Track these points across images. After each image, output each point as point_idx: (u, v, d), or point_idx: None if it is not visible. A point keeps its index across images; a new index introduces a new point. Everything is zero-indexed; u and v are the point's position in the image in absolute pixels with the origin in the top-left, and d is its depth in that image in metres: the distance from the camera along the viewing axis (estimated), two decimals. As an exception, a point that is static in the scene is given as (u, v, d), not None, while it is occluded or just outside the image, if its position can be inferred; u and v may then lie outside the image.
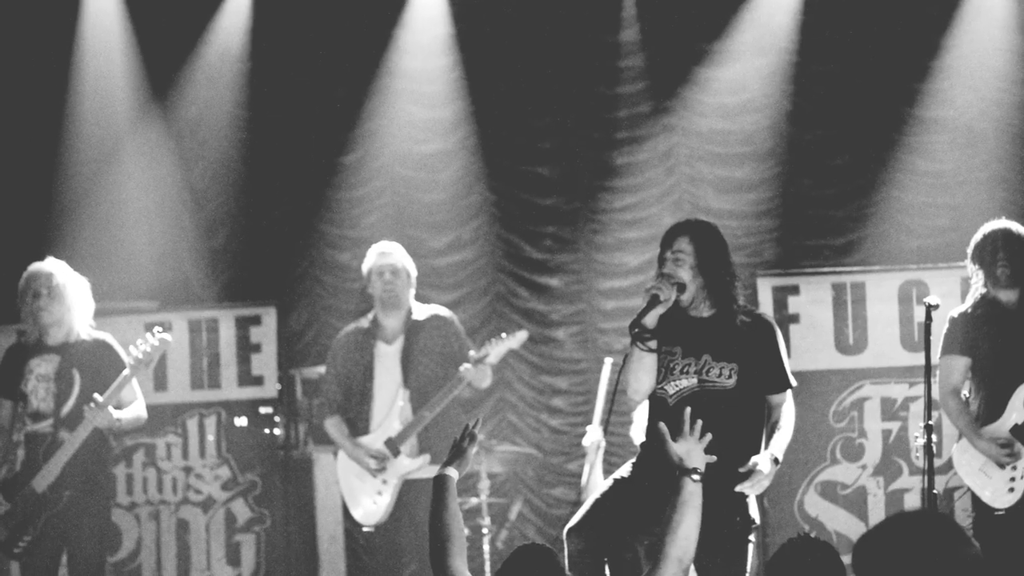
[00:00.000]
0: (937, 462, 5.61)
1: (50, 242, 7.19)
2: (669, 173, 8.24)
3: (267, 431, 7.24)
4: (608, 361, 7.41)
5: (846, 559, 3.15)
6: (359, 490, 6.60)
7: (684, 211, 7.88)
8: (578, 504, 6.08)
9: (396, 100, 8.26)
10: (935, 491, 5.31)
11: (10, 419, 6.09)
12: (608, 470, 6.65)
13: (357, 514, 6.63)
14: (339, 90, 8.27)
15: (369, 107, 8.27)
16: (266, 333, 7.26)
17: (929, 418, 5.39)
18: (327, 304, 8.34)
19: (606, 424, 6.82)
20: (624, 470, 4.79)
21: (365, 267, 6.72)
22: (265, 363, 7.24)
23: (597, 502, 4.74)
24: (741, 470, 4.60)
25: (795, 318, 6.90)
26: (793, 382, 4.82)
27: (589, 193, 8.30)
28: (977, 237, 5.82)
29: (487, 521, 6.92)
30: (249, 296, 7.80)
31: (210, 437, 7.21)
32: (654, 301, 4.69)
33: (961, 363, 5.75)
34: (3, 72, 8.02)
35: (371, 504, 6.57)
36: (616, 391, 4.97)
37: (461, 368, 6.51)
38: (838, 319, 6.91)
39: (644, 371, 4.72)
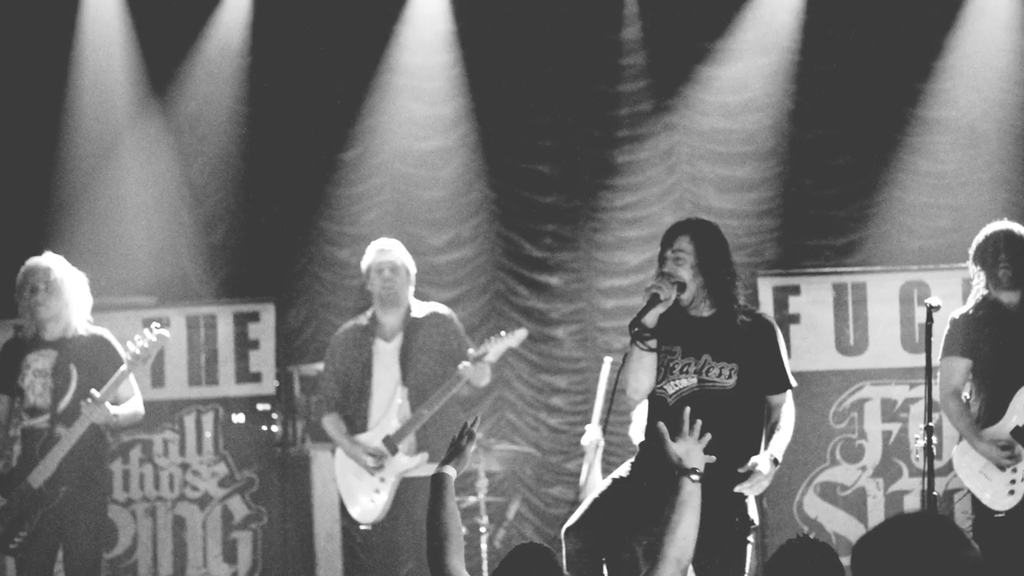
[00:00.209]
0: (937, 464, 5.60)
1: (48, 237, 7.21)
2: (670, 172, 8.24)
3: (265, 428, 7.24)
4: (607, 360, 7.41)
5: (845, 561, 3.13)
6: (357, 488, 6.59)
7: (685, 210, 7.87)
8: (576, 504, 6.06)
9: (396, 96, 8.25)
10: (935, 493, 5.32)
11: (6, 414, 6.07)
12: (607, 469, 6.64)
13: (354, 512, 6.62)
14: (339, 86, 8.26)
15: (369, 103, 8.26)
16: (264, 330, 7.25)
17: (929, 420, 5.39)
18: (326, 301, 8.33)
19: (605, 423, 6.82)
20: (623, 470, 4.78)
21: (364, 264, 6.72)
22: (263, 360, 7.24)
23: (595, 502, 4.73)
24: (740, 470, 4.59)
25: (796, 318, 6.89)
26: (793, 382, 4.82)
27: (590, 191, 8.30)
28: (979, 238, 5.81)
29: (485, 520, 6.92)
30: (247, 292, 7.78)
31: (207, 434, 7.20)
32: (654, 300, 4.69)
33: (962, 365, 5.75)
34: (2, 66, 8.01)
35: (369, 502, 6.56)
36: (615, 390, 4.96)
37: (460, 366, 6.50)
38: (839, 320, 6.90)
39: (644, 370, 4.71)
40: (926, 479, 5.30)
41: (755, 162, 8.14)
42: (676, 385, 4.68)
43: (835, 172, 8.09)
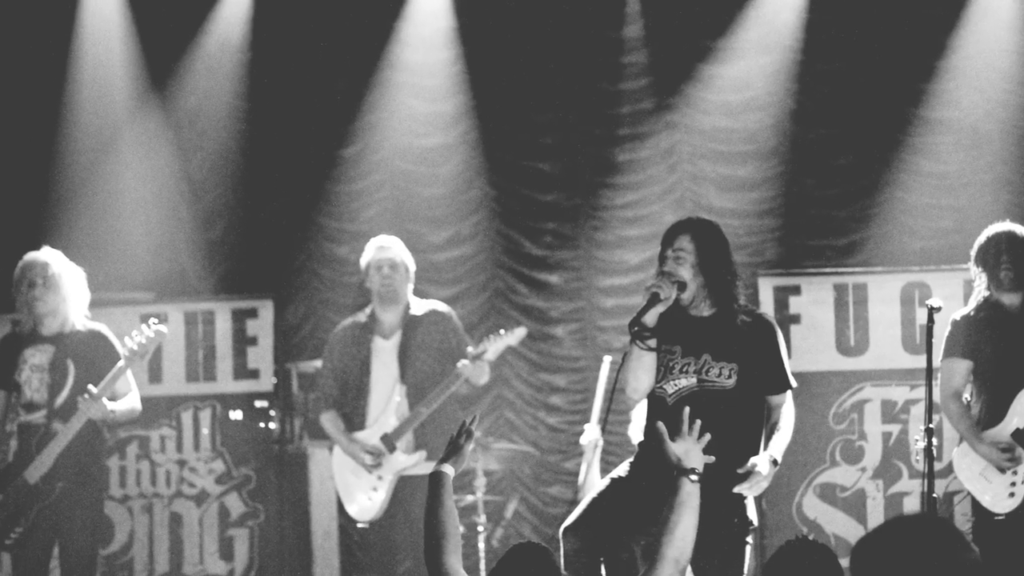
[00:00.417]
0: (937, 466, 5.60)
1: (46, 231, 7.18)
2: (671, 171, 8.22)
3: (262, 425, 7.23)
4: (607, 359, 7.40)
5: (844, 562, 3.14)
6: (354, 486, 6.58)
7: (686, 209, 7.87)
8: (575, 503, 6.05)
9: (397, 93, 8.24)
10: (935, 495, 5.30)
11: (3, 409, 6.07)
12: (605, 469, 6.63)
13: (352, 510, 6.61)
14: (339, 82, 8.25)
15: (369, 100, 8.25)
16: (262, 326, 7.24)
17: (930, 421, 5.38)
18: (324, 298, 8.32)
19: (604, 423, 6.81)
20: (621, 469, 4.78)
21: (363, 261, 6.71)
22: (261, 356, 7.23)
23: (594, 501, 4.73)
24: (739, 471, 4.59)
25: (796, 318, 6.89)
26: (793, 383, 4.81)
27: (590, 189, 8.28)
28: (981, 239, 5.81)
29: (483, 519, 6.91)
30: (246, 289, 7.79)
31: (205, 430, 7.19)
32: (654, 299, 4.69)
33: (963, 366, 5.75)
34: (1, 60, 7.99)
35: (366, 500, 6.55)
36: (615, 389, 4.96)
37: (459, 364, 6.49)
38: (839, 320, 6.90)
39: (643, 370, 4.71)
40: (926, 481, 5.30)
41: (756, 161, 8.13)
42: (676, 385, 4.68)
43: (837, 172, 8.08)
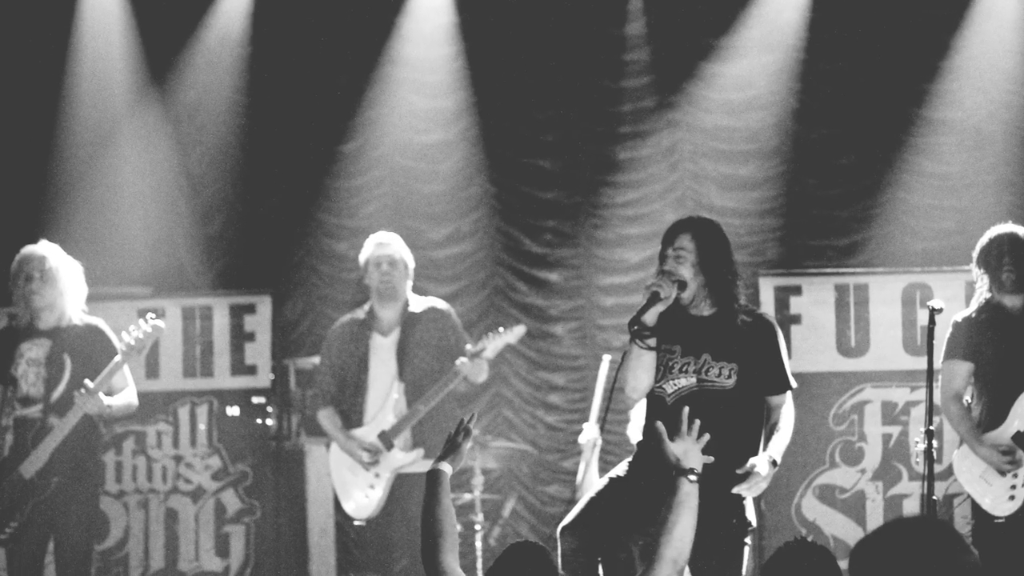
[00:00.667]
0: (937, 468, 5.59)
1: (44, 225, 7.20)
2: (672, 169, 8.21)
3: (259, 421, 7.21)
4: (606, 358, 7.39)
5: (843, 564, 3.14)
6: (351, 483, 6.57)
7: (687, 208, 7.86)
8: (573, 502, 6.05)
9: (397, 89, 8.23)
10: (935, 497, 5.30)
11: (-1, 403, 6.05)
12: (604, 468, 6.61)
13: (349, 507, 6.60)
14: (340, 78, 8.24)
15: (370, 95, 8.23)
16: (260, 322, 7.23)
17: (930, 423, 5.38)
18: (323, 294, 8.31)
19: (603, 422, 6.80)
20: (620, 469, 4.77)
21: (362, 257, 6.70)
22: (259, 352, 7.21)
23: (592, 501, 4.72)
24: (738, 471, 4.58)
25: (797, 319, 6.89)
26: (793, 383, 4.81)
27: (591, 187, 8.27)
28: (983, 241, 5.80)
29: (480, 517, 6.91)
30: (244, 284, 7.78)
31: (201, 426, 7.18)
32: (654, 298, 4.68)
33: (964, 368, 5.74)
34: (0, 53, 7.97)
35: (363, 498, 6.54)
36: (614, 389, 4.94)
37: (457, 362, 6.48)
38: (840, 321, 6.89)
39: (643, 369, 4.71)
40: (926, 483, 5.29)
41: (758, 161, 8.11)
42: (675, 384, 4.67)
43: (839, 172, 8.07)
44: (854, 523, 6.77)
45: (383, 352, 6.60)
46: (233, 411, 7.19)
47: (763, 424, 4.73)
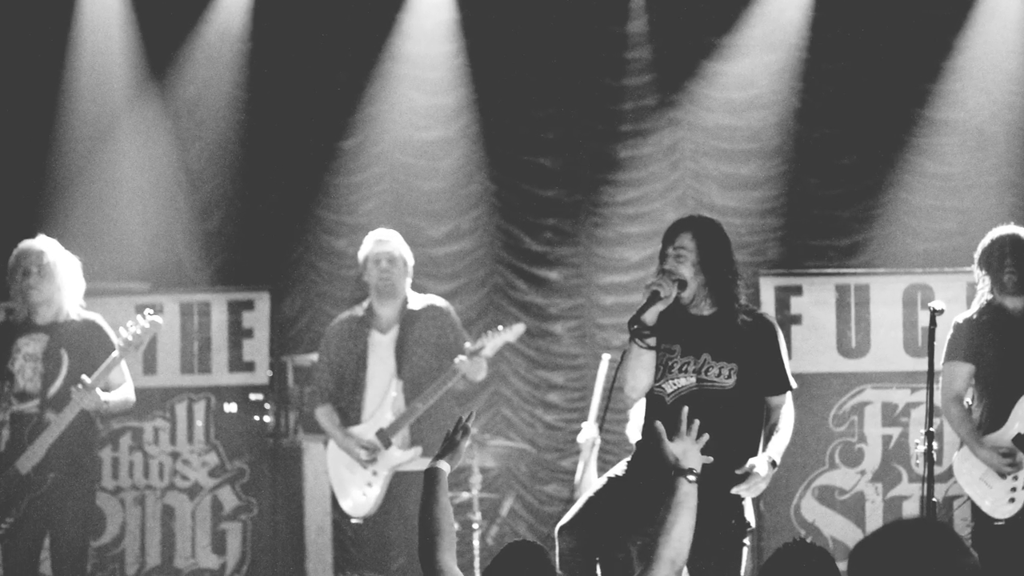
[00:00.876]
0: (937, 470, 5.58)
1: (42, 220, 7.17)
2: (673, 168, 8.20)
3: (257, 418, 7.21)
4: (606, 357, 7.38)
5: (842, 566, 3.13)
6: (349, 481, 6.56)
7: (687, 207, 7.85)
8: (571, 502, 6.04)
9: (398, 86, 8.22)
10: (934, 499, 5.28)
11: (-5, 398, 6.03)
12: (602, 468, 6.60)
13: (346, 505, 6.59)
14: (340, 74, 8.24)
15: (370, 92, 8.23)
16: (259, 318, 7.22)
17: (930, 425, 5.36)
18: (322, 291, 8.31)
19: (602, 421, 6.79)
20: (619, 468, 4.77)
21: (361, 254, 6.68)
22: (257, 349, 7.21)
23: (590, 500, 4.71)
24: (738, 472, 4.58)
25: (797, 319, 6.89)
26: (793, 384, 4.81)
27: (591, 186, 8.27)
28: (985, 242, 5.80)
29: (478, 516, 6.91)
30: (242, 280, 7.75)
31: (199, 423, 7.17)
32: (654, 298, 4.68)
33: (964, 370, 5.73)
34: (-1, 47, 7.99)
35: (360, 495, 6.53)
36: (613, 388, 4.93)
37: (456, 360, 6.47)
38: (841, 321, 6.89)
39: (642, 368, 4.70)
40: (926, 485, 5.27)
41: (760, 160, 8.11)
42: (675, 384, 4.67)
43: (840, 172, 8.07)
44: (853, 524, 6.76)
45: (382, 349, 6.59)
46: (231, 408, 7.18)
47: (763, 424, 4.73)
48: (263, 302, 7.24)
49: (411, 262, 6.66)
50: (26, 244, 6.07)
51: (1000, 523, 5.60)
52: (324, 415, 6.63)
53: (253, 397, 7.19)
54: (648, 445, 4.47)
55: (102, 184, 8.12)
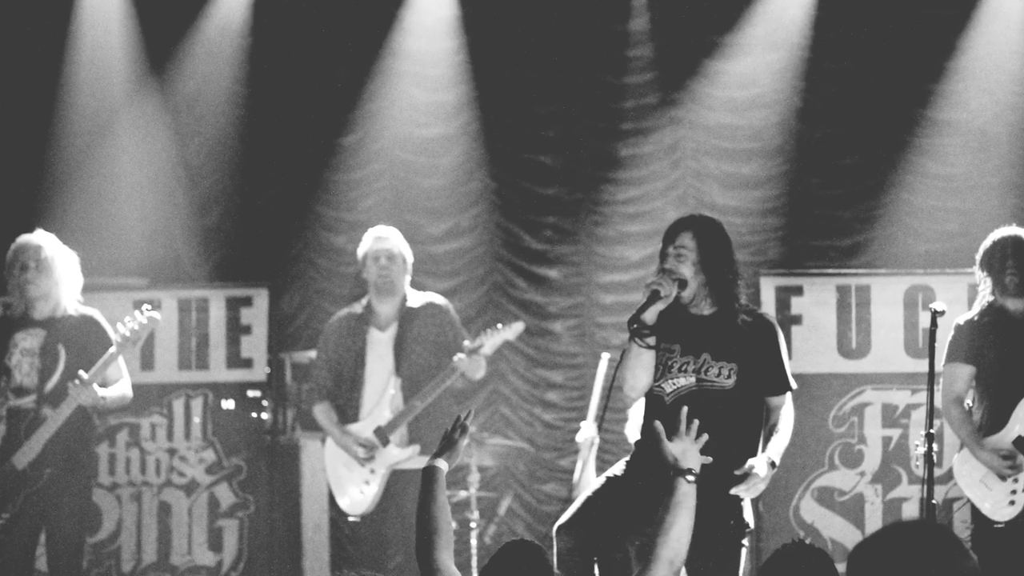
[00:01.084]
0: (937, 472, 5.57)
1: (40, 214, 7.19)
2: (674, 167, 8.19)
3: (254, 415, 7.20)
4: (605, 356, 7.37)
5: (841, 567, 3.15)
6: (346, 479, 6.54)
7: (688, 206, 7.85)
8: (569, 501, 6.03)
9: (398, 82, 8.22)
10: (934, 501, 5.27)
11: (-8, 393, 6.02)
12: (601, 468, 6.59)
13: (343, 503, 6.58)
14: (340, 70, 8.24)
15: (370, 88, 8.23)
16: (257, 315, 7.21)
17: (930, 426, 5.35)
18: (320, 288, 8.30)
19: (600, 420, 6.78)
20: (617, 468, 4.76)
21: (360, 251, 6.67)
22: (255, 345, 7.20)
23: (589, 500, 4.71)
24: (737, 472, 4.57)
25: (798, 319, 6.88)
26: (793, 384, 4.80)
27: (592, 184, 8.26)
28: (986, 243, 5.79)
29: (476, 515, 6.91)
30: (241, 277, 7.75)
31: (196, 419, 7.17)
32: (654, 297, 4.67)
33: (965, 372, 5.73)
34: (-1, 40, 7.98)
35: (358, 493, 6.51)
36: (612, 387, 4.91)
37: (455, 358, 6.45)
38: (841, 322, 6.89)
39: (641, 368, 4.69)
40: (925, 487, 5.26)
41: (761, 159, 8.10)
42: (674, 384, 4.66)
43: (842, 172, 8.06)
44: (852, 526, 6.75)
45: (380, 347, 6.57)
46: (228, 404, 7.18)
47: (762, 425, 4.72)
48: (261, 298, 7.22)
49: (410, 259, 6.65)
50: (24, 239, 6.06)
51: (1000, 525, 5.60)
52: (322, 412, 6.61)
53: (251, 394, 7.18)
54: (647, 445, 4.46)
55: (101, 179, 8.12)
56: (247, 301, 7.22)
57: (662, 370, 4.66)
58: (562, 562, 4.58)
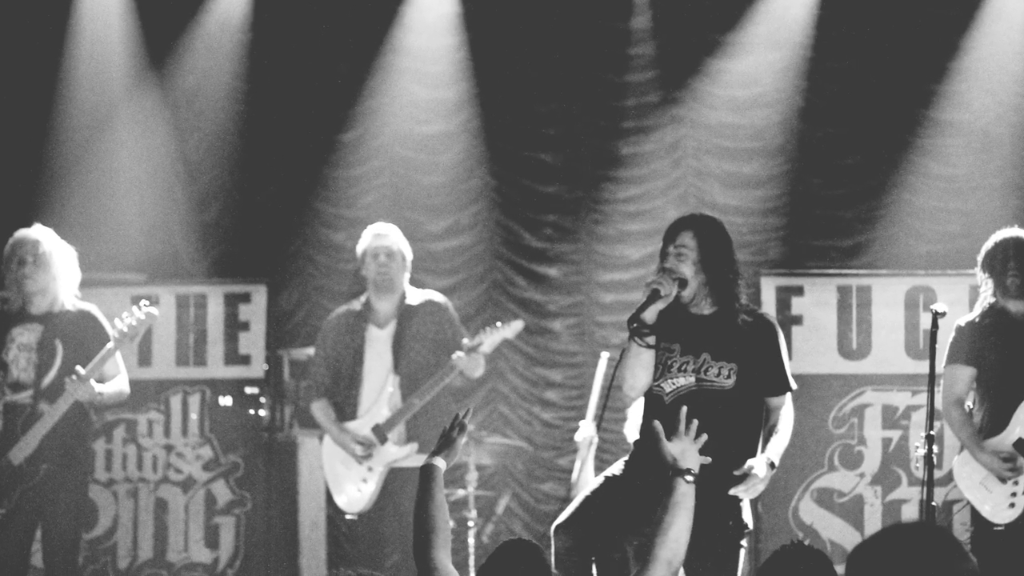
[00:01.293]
0: (937, 474, 5.57)
1: (38, 209, 7.20)
2: (675, 165, 8.18)
3: (252, 412, 7.19)
4: (604, 355, 7.36)
5: (840, 569, 3.12)
6: (344, 476, 6.53)
7: (689, 205, 7.85)
8: (567, 500, 6.02)
9: (399, 79, 8.21)
10: (934, 503, 5.27)
11: (-11, 389, 6.01)
12: (600, 467, 6.59)
13: (340, 501, 6.57)
14: (341, 66, 8.23)
15: (371, 85, 8.22)
16: (255, 311, 7.19)
17: (931, 428, 5.35)
18: (319, 284, 8.29)
19: (599, 420, 6.77)
20: (616, 468, 4.76)
21: (359, 248, 6.66)
22: (253, 342, 7.18)
23: (587, 499, 4.70)
24: (736, 473, 4.57)
25: (798, 320, 6.88)
26: (793, 385, 4.80)
27: (592, 182, 8.25)
28: (988, 245, 5.79)
29: (473, 514, 6.90)
30: (239, 273, 7.76)
31: (193, 415, 7.16)
32: (654, 296, 4.67)
33: (966, 373, 5.72)
34: (-2, 34, 7.97)
35: (355, 491, 6.50)
36: (611, 387, 4.90)
37: (454, 356, 6.44)
38: (842, 322, 6.89)
39: (641, 367, 4.69)
40: (925, 488, 5.26)
41: (762, 159, 8.09)
42: (673, 383, 4.65)
43: (843, 172, 8.05)
44: (852, 527, 6.75)
45: (379, 344, 6.56)
46: (226, 401, 7.17)
47: (762, 425, 4.71)
48: (260, 295, 7.21)
49: (409, 257, 6.64)
50: (22, 233, 6.06)
51: (1000, 528, 5.59)
52: (320, 410, 6.60)
53: (248, 391, 7.17)
54: (646, 444, 4.45)
55: (99, 174, 8.11)
56: (245, 297, 7.21)
57: (662, 370, 4.65)
58: (560, 562, 4.58)
